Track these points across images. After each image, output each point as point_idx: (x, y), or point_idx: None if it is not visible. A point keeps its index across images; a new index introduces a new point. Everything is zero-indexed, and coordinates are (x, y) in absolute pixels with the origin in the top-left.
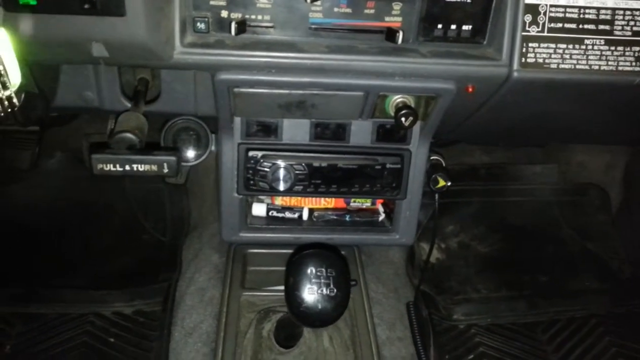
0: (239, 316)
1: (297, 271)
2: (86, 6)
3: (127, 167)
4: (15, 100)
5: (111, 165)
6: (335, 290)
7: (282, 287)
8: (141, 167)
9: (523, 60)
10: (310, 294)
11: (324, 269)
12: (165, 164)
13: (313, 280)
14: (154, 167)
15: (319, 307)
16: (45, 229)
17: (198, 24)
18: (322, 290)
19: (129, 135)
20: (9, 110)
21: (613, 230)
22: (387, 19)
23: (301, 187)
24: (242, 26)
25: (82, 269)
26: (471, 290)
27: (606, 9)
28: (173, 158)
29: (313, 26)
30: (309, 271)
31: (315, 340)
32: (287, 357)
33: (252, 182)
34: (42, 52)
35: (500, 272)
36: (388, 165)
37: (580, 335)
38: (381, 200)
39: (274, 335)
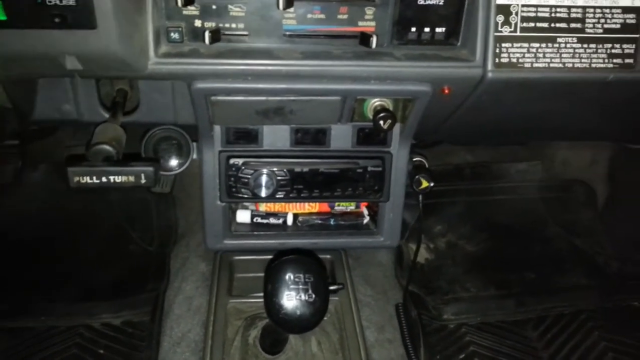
0: (226, 324)
1: (275, 278)
2: (57, 20)
3: (104, 179)
4: None
5: (87, 178)
6: (313, 296)
7: None
8: (118, 179)
9: (497, 60)
10: (289, 300)
11: (302, 275)
12: (142, 175)
13: (291, 286)
14: (132, 178)
15: (298, 313)
16: (31, 242)
17: (172, 33)
18: (300, 296)
19: (105, 146)
20: None
21: (599, 225)
22: (360, 23)
23: (283, 192)
24: (216, 35)
25: (69, 281)
26: (460, 289)
27: (577, 7)
28: (150, 168)
29: (287, 33)
30: (287, 277)
31: (303, 345)
32: None
33: (234, 189)
34: (15, 66)
35: (489, 270)
36: (369, 168)
37: (569, 331)
38: (365, 203)
39: (259, 342)
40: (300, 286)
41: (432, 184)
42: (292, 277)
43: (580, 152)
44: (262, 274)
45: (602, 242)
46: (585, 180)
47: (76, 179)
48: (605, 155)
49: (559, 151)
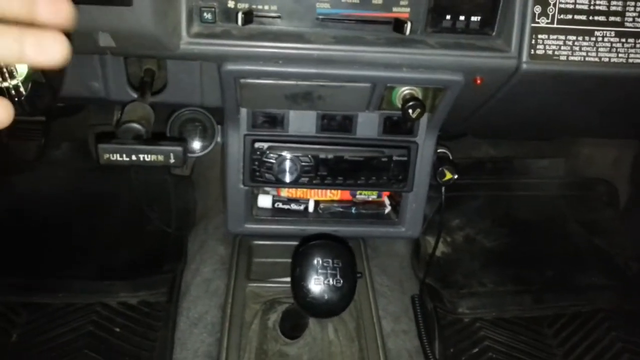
0: (244, 307)
1: (303, 262)
2: None
3: (134, 157)
4: (22, 89)
5: (117, 155)
6: (341, 281)
7: (288, 279)
8: (147, 157)
9: (532, 52)
10: (317, 284)
11: (330, 260)
12: (171, 154)
13: (319, 271)
14: (161, 157)
15: (326, 297)
16: (51, 220)
17: (205, 14)
18: (328, 281)
19: (135, 125)
20: (16, 99)
21: (620, 225)
22: (395, 9)
23: (307, 179)
24: (249, 16)
25: (87, 259)
26: (477, 284)
27: (617, 0)
28: (179, 148)
29: (320, 17)
30: (315, 262)
31: (321, 331)
32: (292, 347)
33: (257, 173)
34: None
35: (506, 266)
36: (394, 158)
37: (585, 330)
38: (387, 193)
39: (279, 326)
40: (329, 271)
41: (455, 176)
42: (320, 261)
43: (605, 151)
44: (280, 259)
45: (622, 242)
46: (608, 179)
47: (106, 156)
48: (630, 155)
49: (582, 148)
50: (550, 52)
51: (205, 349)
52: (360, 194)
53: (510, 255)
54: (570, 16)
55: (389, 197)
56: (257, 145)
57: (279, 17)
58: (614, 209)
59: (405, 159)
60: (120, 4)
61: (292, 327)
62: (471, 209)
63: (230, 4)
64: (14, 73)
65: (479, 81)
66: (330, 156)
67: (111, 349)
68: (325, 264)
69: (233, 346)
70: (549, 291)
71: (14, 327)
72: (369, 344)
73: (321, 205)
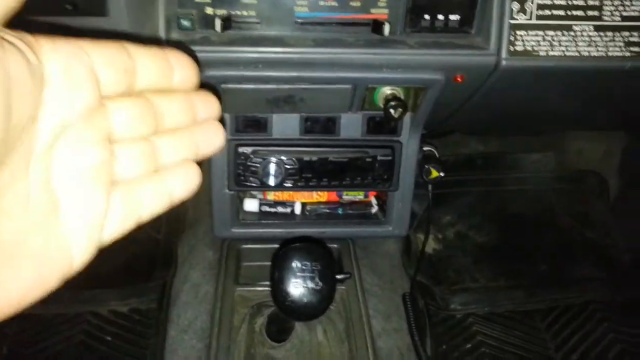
0: (232, 312)
1: (281, 265)
2: (68, 7)
3: None
4: None
5: None
6: (320, 284)
7: None
8: None
9: (511, 48)
10: (295, 287)
11: (308, 263)
12: None
13: (298, 274)
14: None
15: (305, 300)
16: None
17: (183, 21)
18: (307, 284)
19: None
20: None
21: (611, 217)
22: (373, 11)
23: (292, 181)
24: (227, 22)
25: None
26: (469, 279)
27: None
28: None
29: (299, 20)
30: (293, 265)
31: (309, 333)
32: (280, 351)
33: (242, 178)
34: None
35: (498, 261)
36: (379, 158)
37: (578, 322)
38: (374, 193)
39: (265, 330)
40: (307, 274)
41: (442, 174)
42: (298, 264)
43: (594, 143)
44: (268, 263)
45: (614, 234)
46: (598, 172)
47: None
48: (619, 147)
49: (572, 142)
50: (529, 48)
51: (195, 355)
52: (347, 194)
53: (502, 250)
54: (548, 12)
55: (376, 197)
56: (241, 149)
57: (258, 22)
58: (605, 201)
59: (389, 158)
60: (95, 15)
61: (278, 330)
62: (462, 205)
63: (209, 11)
64: None
65: (459, 79)
66: (314, 158)
67: (103, 358)
68: (303, 267)
69: (221, 351)
70: (541, 285)
71: (4, 338)
72: (359, 344)
73: (308, 207)
